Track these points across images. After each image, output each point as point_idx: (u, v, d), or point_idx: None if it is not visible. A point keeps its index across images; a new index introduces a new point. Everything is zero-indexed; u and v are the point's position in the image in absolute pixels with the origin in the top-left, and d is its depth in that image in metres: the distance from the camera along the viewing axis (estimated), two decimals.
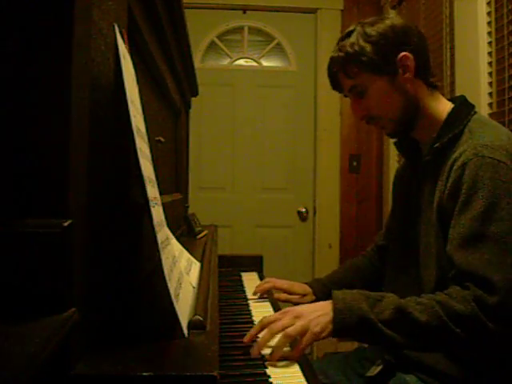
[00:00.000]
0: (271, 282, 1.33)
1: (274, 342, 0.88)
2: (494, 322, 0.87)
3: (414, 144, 1.19)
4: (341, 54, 1.10)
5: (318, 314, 0.90)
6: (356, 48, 1.07)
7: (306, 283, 1.35)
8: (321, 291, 1.33)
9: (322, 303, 0.94)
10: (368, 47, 1.06)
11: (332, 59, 1.14)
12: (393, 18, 1.13)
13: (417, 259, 1.09)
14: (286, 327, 0.87)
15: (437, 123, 1.09)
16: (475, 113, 1.09)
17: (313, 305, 0.95)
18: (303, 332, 0.87)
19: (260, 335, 0.88)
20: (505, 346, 0.92)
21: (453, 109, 1.10)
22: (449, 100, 1.15)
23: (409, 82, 1.09)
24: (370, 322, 0.88)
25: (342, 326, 0.89)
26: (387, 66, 1.08)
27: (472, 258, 0.91)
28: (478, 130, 1.03)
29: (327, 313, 0.90)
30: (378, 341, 0.92)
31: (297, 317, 0.89)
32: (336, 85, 1.17)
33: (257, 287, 1.33)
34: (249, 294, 1.35)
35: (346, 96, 1.18)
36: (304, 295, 1.34)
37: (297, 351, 0.86)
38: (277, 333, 0.87)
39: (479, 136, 1.00)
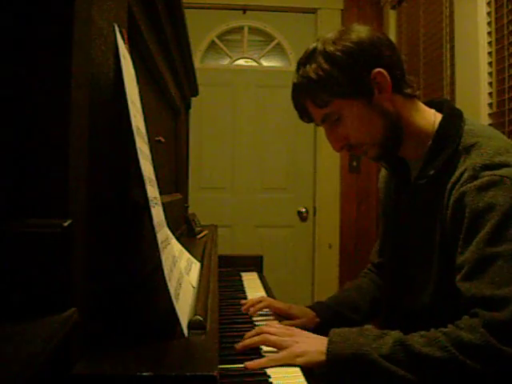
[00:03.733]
0: (266, 301, 1.18)
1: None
2: (506, 343, 0.77)
3: (399, 160, 1.09)
4: (304, 80, 0.98)
5: (310, 341, 0.87)
6: (320, 73, 0.95)
7: (308, 307, 1.20)
8: (325, 313, 1.18)
9: (321, 337, 0.89)
10: (334, 71, 0.94)
11: (295, 86, 1.01)
12: (357, 29, 0.98)
13: (410, 284, 1.04)
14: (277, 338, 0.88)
15: (423, 137, 1.00)
16: (465, 122, 0.99)
17: (314, 335, 0.91)
18: (281, 347, 0.86)
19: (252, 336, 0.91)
20: None
21: (441, 121, 1.00)
22: (430, 105, 1.05)
23: (387, 101, 0.98)
24: (366, 356, 0.80)
25: (334, 359, 0.82)
26: (360, 88, 0.96)
27: (480, 283, 0.83)
28: (474, 146, 0.94)
29: (321, 343, 0.85)
30: (378, 376, 0.81)
31: (287, 335, 0.89)
32: (305, 115, 1.04)
33: (252, 307, 1.16)
34: (249, 294, 1.35)
35: (318, 125, 1.06)
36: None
37: (254, 363, 0.82)
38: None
39: (476, 154, 0.92)
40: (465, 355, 0.78)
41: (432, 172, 0.97)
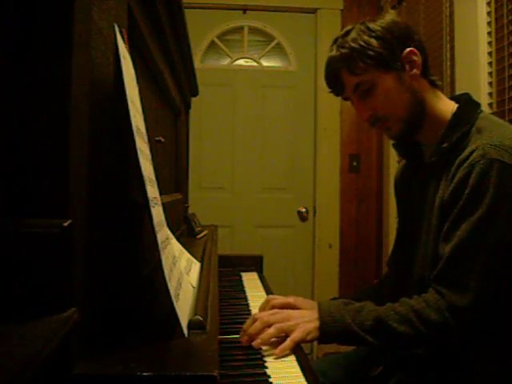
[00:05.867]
0: (269, 304, 1.07)
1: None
2: (463, 326, 0.92)
3: (414, 145, 1.16)
4: (343, 50, 1.05)
5: (305, 319, 0.96)
6: (361, 43, 1.03)
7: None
8: None
9: (308, 312, 0.98)
10: (374, 42, 1.02)
11: (332, 58, 1.08)
12: (391, 15, 1.09)
13: (416, 259, 1.08)
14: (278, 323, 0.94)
15: (441, 123, 1.06)
16: (481, 111, 1.05)
17: (300, 311, 0.99)
18: (290, 331, 0.92)
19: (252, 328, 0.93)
20: (502, 351, 0.95)
21: (458, 108, 1.06)
22: (451, 98, 1.11)
23: (415, 79, 1.05)
24: (353, 333, 0.94)
25: (327, 336, 0.95)
26: (394, 62, 1.03)
27: (459, 267, 0.93)
28: (486, 128, 0.99)
29: (313, 320, 0.96)
30: (361, 345, 1.04)
31: (287, 319, 0.95)
32: (337, 85, 1.11)
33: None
34: (249, 294, 1.35)
35: (345, 99, 1.13)
36: None
37: (284, 347, 0.89)
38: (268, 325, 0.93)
39: (488, 135, 0.97)
40: (430, 332, 0.93)
41: (445, 145, 1.03)
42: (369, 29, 1.03)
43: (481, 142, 0.96)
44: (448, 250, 0.95)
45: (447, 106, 1.08)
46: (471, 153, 0.96)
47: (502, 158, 0.93)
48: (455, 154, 1.00)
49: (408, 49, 1.04)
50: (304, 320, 0.95)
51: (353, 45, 1.03)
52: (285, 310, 0.99)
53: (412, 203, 1.16)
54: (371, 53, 1.02)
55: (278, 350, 0.88)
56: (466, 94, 1.11)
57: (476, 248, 0.92)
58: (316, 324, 0.95)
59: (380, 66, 1.03)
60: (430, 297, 0.95)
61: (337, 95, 1.14)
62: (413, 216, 1.15)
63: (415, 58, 1.04)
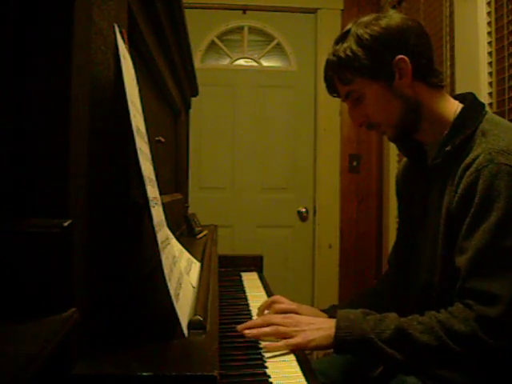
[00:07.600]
0: (273, 309, 1.12)
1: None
2: (494, 338, 0.86)
3: (416, 145, 1.14)
4: (334, 58, 1.06)
5: (316, 326, 0.94)
6: (348, 53, 1.02)
7: (321, 310, 1.17)
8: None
9: (325, 319, 0.98)
10: (360, 52, 1.01)
11: (327, 63, 1.09)
12: (390, 16, 1.05)
13: (422, 263, 1.07)
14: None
15: (443, 124, 1.04)
16: (486, 112, 1.02)
17: (315, 319, 0.98)
18: (291, 337, 0.92)
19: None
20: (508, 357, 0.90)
21: (462, 109, 1.03)
22: (456, 98, 1.09)
23: (407, 86, 1.03)
24: (370, 341, 0.90)
25: (342, 343, 0.92)
26: (382, 71, 1.02)
27: (482, 275, 0.89)
28: (491, 132, 0.96)
29: (325, 328, 0.93)
30: (379, 358, 0.94)
31: (293, 324, 0.94)
32: (332, 90, 1.13)
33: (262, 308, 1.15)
34: (249, 294, 1.35)
35: (343, 101, 1.13)
36: None
37: (275, 345, 0.90)
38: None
39: (493, 139, 0.94)
40: (455, 343, 0.87)
41: (448, 148, 1.00)
42: (358, 36, 1.02)
43: (486, 146, 0.94)
44: (465, 261, 0.91)
45: (450, 108, 1.05)
46: (477, 157, 0.93)
47: (510, 162, 0.90)
48: (459, 157, 0.98)
49: (397, 57, 1.01)
50: (311, 327, 0.93)
51: (341, 55, 1.04)
52: (296, 316, 0.99)
53: (415, 204, 1.15)
54: (357, 64, 1.02)
55: (270, 345, 0.89)
56: (471, 94, 1.08)
57: (495, 254, 0.88)
58: (328, 332, 0.92)
59: (367, 76, 1.03)
60: (456, 308, 0.91)
61: (336, 97, 1.16)
62: (416, 216, 1.13)
63: (404, 65, 1.01)
